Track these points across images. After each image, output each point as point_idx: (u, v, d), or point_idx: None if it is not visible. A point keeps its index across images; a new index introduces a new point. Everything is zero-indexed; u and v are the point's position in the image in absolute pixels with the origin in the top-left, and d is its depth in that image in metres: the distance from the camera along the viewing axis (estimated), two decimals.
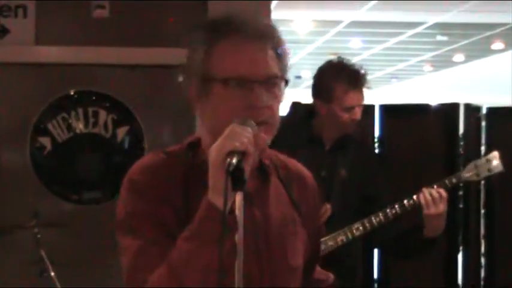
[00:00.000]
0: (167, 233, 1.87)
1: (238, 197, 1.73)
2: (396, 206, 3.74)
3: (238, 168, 1.73)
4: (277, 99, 1.96)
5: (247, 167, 1.76)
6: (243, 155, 1.75)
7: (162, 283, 1.81)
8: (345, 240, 3.75)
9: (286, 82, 1.98)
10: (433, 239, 3.73)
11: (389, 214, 3.74)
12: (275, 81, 1.95)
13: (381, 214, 3.73)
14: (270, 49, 1.96)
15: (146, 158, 2.05)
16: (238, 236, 1.71)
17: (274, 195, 2.04)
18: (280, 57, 1.98)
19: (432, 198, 3.66)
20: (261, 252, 1.96)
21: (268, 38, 1.96)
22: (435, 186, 3.73)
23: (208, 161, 1.83)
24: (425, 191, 3.69)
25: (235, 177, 1.72)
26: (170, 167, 1.98)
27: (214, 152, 1.79)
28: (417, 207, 3.71)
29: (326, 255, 3.75)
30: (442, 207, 3.67)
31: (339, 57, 3.86)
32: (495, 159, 3.85)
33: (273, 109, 1.94)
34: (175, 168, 1.98)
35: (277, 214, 2.03)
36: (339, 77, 3.75)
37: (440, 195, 3.67)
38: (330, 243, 3.75)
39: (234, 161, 1.74)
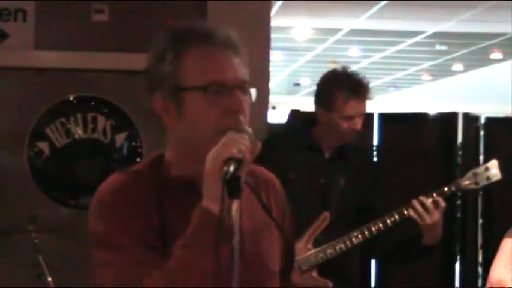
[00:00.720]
0: (148, 246, 1.86)
1: (235, 206, 1.73)
2: (395, 215, 3.74)
3: (235, 176, 1.73)
4: (248, 105, 1.95)
5: (244, 175, 1.76)
6: (239, 162, 1.75)
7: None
8: (343, 248, 3.75)
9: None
10: (431, 247, 3.73)
11: (389, 222, 3.74)
12: (247, 87, 1.95)
13: (379, 222, 3.73)
14: (237, 57, 1.96)
15: (112, 179, 2.02)
16: (235, 243, 1.72)
17: (245, 202, 1.97)
18: (245, 65, 1.99)
19: (425, 208, 3.66)
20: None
21: (234, 47, 1.97)
22: (434, 195, 3.73)
23: (176, 177, 1.88)
24: (416, 203, 3.69)
25: (232, 186, 1.72)
26: (139, 185, 1.97)
27: (210, 159, 1.79)
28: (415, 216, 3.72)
29: (325, 263, 3.75)
30: (437, 216, 3.67)
31: (343, 67, 3.87)
32: (494, 168, 3.86)
33: (247, 115, 1.94)
34: (143, 185, 1.96)
35: (249, 221, 2.00)
36: (340, 86, 3.76)
37: (437, 204, 3.67)
38: (329, 251, 3.75)
39: (231, 169, 1.73)
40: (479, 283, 5.24)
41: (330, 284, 3.75)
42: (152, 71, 2.03)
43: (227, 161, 1.75)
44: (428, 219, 3.65)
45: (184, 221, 1.83)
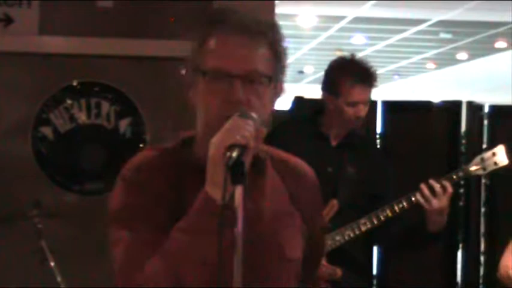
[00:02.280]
0: (160, 228, 1.86)
1: (238, 191, 1.71)
2: (403, 201, 3.75)
3: (239, 162, 1.72)
4: (259, 95, 1.92)
5: (248, 161, 1.76)
6: (243, 148, 1.75)
7: (157, 273, 1.81)
8: (352, 235, 3.77)
9: (270, 79, 1.94)
10: (436, 233, 3.74)
11: (396, 209, 3.75)
12: (256, 77, 1.91)
13: (387, 209, 3.74)
14: (261, 46, 1.93)
15: (140, 155, 2.05)
16: (238, 231, 1.71)
17: (270, 188, 2.03)
18: (275, 57, 1.96)
19: (434, 192, 3.67)
20: (251, 243, 1.89)
21: (261, 35, 1.93)
22: (443, 181, 3.74)
23: (202, 158, 1.84)
24: (423, 186, 3.70)
25: (235, 171, 1.71)
26: (164, 164, 1.98)
27: (213, 145, 1.79)
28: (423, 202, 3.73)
29: (333, 250, 3.77)
30: (445, 201, 3.68)
31: (352, 54, 3.89)
32: (501, 153, 3.86)
33: (251, 104, 1.90)
34: (169, 165, 1.97)
35: (273, 207, 2.01)
36: (347, 71, 3.78)
37: (444, 189, 3.68)
38: (337, 238, 3.77)
39: (234, 155, 1.72)
40: (481, 271, 5.25)
41: (339, 271, 3.76)
42: (191, 47, 2.01)
43: (230, 147, 1.74)
44: (435, 204, 3.66)
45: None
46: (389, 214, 3.74)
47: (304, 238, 2.09)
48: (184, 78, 2.01)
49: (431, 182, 3.70)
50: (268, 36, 1.94)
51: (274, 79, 1.95)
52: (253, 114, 1.84)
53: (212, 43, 1.93)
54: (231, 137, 1.76)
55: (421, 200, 3.67)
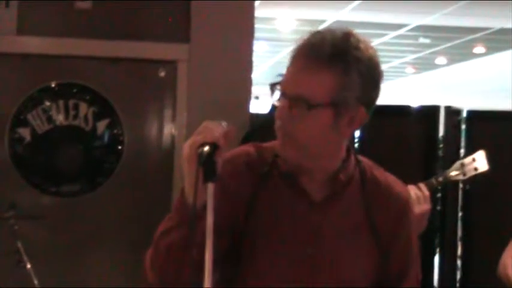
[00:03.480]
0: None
1: (210, 188, 1.79)
2: None
3: (210, 159, 1.80)
4: (301, 119, 1.95)
5: (219, 159, 1.84)
6: (214, 146, 1.82)
7: (147, 258, 1.99)
8: None
9: (318, 106, 1.96)
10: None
11: None
12: (301, 102, 1.94)
13: None
14: (320, 71, 1.94)
15: (240, 148, 2.13)
16: (208, 226, 1.77)
17: (345, 208, 2.08)
18: (341, 83, 1.96)
19: (416, 197, 3.67)
20: (309, 258, 2.02)
21: (326, 60, 1.94)
22: (420, 185, 3.73)
23: (281, 165, 2.02)
24: (411, 188, 3.70)
25: (207, 169, 1.80)
26: (253, 164, 2.06)
27: (187, 146, 1.87)
28: None
29: None
30: (426, 206, 3.67)
31: None
32: (481, 158, 3.86)
33: (289, 125, 1.97)
34: (257, 166, 2.06)
35: (339, 225, 2.06)
36: None
37: (424, 194, 3.67)
38: None
39: (206, 151, 1.81)
40: (458, 276, 5.26)
41: None
42: None
43: (201, 146, 1.82)
44: (417, 209, 3.66)
45: (270, 212, 2.00)
46: None
47: (374, 262, 2.10)
48: None
49: (410, 187, 3.70)
50: (340, 71, 1.95)
51: (332, 106, 1.96)
52: (224, 122, 1.91)
53: (290, 59, 2.03)
54: (201, 137, 1.85)
55: None
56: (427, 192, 3.68)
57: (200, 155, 1.80)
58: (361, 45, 1.98)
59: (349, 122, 2.01)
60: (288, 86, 1.97)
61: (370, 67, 2.02)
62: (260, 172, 2.05)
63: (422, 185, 3.72)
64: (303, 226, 2.01)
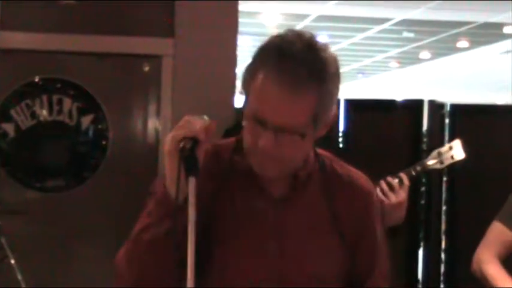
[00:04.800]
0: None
1: (191, 182, 1.79)
2: None
3: (191, 153, 1.82)
4: (291, 145, 1.92)
5: (201, 154, 1.85)
6: (194, 141, 1.83)
7: (121, 254, 1.98)
8: None
9: (304, 133, 1.93)
10: (395, 228, 3.74)
11: None
12: (289, 130, 1.90)
13: None
14: (304, 100, 1.88)
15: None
16: (190, 220, 1.76)
17: (306, 204, 2.07)
18: (320, 106, 1.92)
19: (391, 187, 3.67)
20: (273, 256, 2.01)
21: (308, 87, 1.88)
22: (400, 175, 3.75)
23: (245, 161, 1.98)
24: (382, 182, 3.70)
25: (188, 163, 1.81)
26: (211, 164, 2.01)
27: (168, 140, 1.87)
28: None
29: None
30: (403, 194, 3.67)
31: None
32: (457, 147, 3.88)
33: (279, 154, 1.92)
34: (215, 165, 2.04)
35: (303, 221, 2.05)
36: None
37: (401, 183, 3.67)
38: None
39: (187, 146, 1.82)
40: (442, 269, 5.28)
41: None
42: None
43: (182, 140, 1.83)
44: (393, 198, 3.66)
45: (232, 211, 2.00)
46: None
47: (340, 256, 2.09)
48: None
49: (389, 178, 3.71)
50: (317, 87, 1.90)
51: (313, 121, 1.93)
52: (204, 117, 1.90)
53: (259, 82, 1.90)
54: (182, 131, 1.85)
55: (381, 196, 3.67)
56: (407, 182, 3.69)
57: (181, 150, 1.81)
58: (324, 47, 1.95)
59: (325, 125, 1.99)
60: (269, 115, 1.88)
61: (337, 67, 1.98)
62: (219, 171, 2.03)
63: (402, 174, 3.74)
64: (264, 223, 2.00)
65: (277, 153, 1.91)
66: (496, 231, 3.33)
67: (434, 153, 3.91)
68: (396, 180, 3.70)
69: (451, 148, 3.90)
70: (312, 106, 1.89)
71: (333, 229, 2.07)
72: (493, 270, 3.24)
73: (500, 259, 3.28)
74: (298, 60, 1.88)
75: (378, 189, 3.69)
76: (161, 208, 1.90)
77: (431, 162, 3.89)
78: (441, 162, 3.90)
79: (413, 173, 3.83)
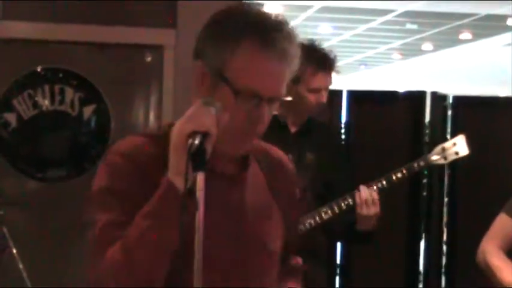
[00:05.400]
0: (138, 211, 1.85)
1: (200, 178, 1.71)
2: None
3: (200, 149, 1.72)
4: (271, 112, 1.95)
5: (209, 148, 1.76)
6: (205, 135, 1.74)
7: (114, 258, 1.80)
8: (313, 223, 3.75)
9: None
10: (366, 233, 3.74)
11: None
12: (278, 100, 1.95)
13: (348, 197, 3.73)
14: (287, 72, 1.94)
15: (127, 140, 2.01)
16: (198, 217, 1.70)
17: (252, 181, 2.04)
18: (289, 76, 1.97)
19: (365, 200, 3.66)
20: (235, 236, 1.96)
21: (288, 59, 1.92)
22: (404, 170, 3.75)
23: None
24: (363, 191, 3.69)
25: (197, 158, 1.71)
26: (149, 150, 1.95)
27: (175, 132, 1.79)
28: (386, 188, 3.74)
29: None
30: (374, 210, 3.67)
31: (310, 39, 3.85)
32: (462, 142, 3.88)
33: (266, 123, 1.95)
34: (154, 151, 1.94)
35: (254, 199, 2.03)
36: (308, 58, 3.73)
37: (373, 198, 3.67)
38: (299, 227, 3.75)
39: (196, 141, 1.72)
40: (444, 261, 5.29)
41: (299, 260, 3.75)
42: (205, 39, 1.96)
43: (192, 135, 1.74)
44: (364, 211, 3.67)
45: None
46: (351, 202, 3.73)
47: (282, 229, 2.10)
48: (196, 73, 1.96)
49: (362, 188, 3.70)
50: (295, 61, 1.95)
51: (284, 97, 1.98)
52: (217, 103, 1.83)
53: (246, 56, 1.89)
54: (192, 124, 1.76)
55: (358, 201, 3.67)
56: (376, 196, 3.69)
57: (191, 145, 1.72)
58: (292, 28, 1.97)
59: None
60: (264, 87, 1.89)
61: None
62: (158, 160, 1.91)
63: (372, 188, 3.72)
64: (223, 204, 1.94)
65: (263, 127, 1.93)
66: (502, 223, 3.32)
67: (438, 148, 3.91)
68: (369, 194, 3.68)
69: (455, 144, 3.90)
70: (289, 72, 1.94)
71: (275, 203, 2.09)
72: (498, 261, 3.23)
73: (505, 251, 3.28)
74: (279, 30, 1.91)
75: (357, 197, 3.68)
76: (165, 204, 1.79)
77: (434, 157, 3.88)
78: (445, 158, 3.90)
79: (417, 168, 3.83)
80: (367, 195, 3.66)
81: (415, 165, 3.83)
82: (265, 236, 2.04)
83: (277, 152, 2.20)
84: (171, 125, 1.94)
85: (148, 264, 1.79)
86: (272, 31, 1.90)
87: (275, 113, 2.06)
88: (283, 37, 1.91)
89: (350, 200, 3.71)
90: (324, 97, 3.76)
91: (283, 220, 2.10)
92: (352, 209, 3.70)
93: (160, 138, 1.95)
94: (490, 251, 3.27)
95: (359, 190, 3.68)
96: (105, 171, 1.94)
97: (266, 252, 2.04)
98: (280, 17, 1.96)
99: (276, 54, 1.89)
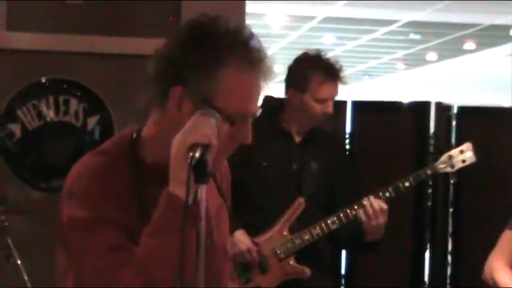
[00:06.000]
0: (126, 229, 1.84)
1: (202, 190, 1.70)
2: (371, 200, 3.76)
3: (202, 161, 1.70)
4: None
5: (210, 159, 1.73)
6: (206, 147, 1.72)
7: (132, 282, 1.77)
8: (320, 234, 3.75)
9: None
10: (373, 243, 3.75)
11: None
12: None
13: (355, 207, 3.73)
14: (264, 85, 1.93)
15: (85, 161, 1.98)
16: (201, 228, 1.70)
17: (209, 186, 2.03)
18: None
19: (373, 210, 3.66)
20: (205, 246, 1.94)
21: (269, 75, 1.93)
22: (411, 179, 3.76)
23: (154, 161, 1.87)
24: (369, 203, 3.68)
25: (199, 171, 1.69)
26: (114, 167, 1.93)
27: (176, 144, 1.76)
28: (393, 198, 3.74)
29: (304, 250, 3.76)
30: (382, 219, 3.68)
31: (316, 50, 3.86)
32: (468, 150, 3.88)
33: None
34: (119, 167, 1.93)
35: (213, 202, 2.02)
36: (316, 67, 3.75)
37: (381, 208, 3.67)
38: (306, 237, 3.75)
39: (197, 154, 1.70)
40: (449, 271, 5.28)
41: (307, 270, 3.76)
42: (185, 63, 1.89)
43: (193, 146, 1.72)
44: (374, 222, 3.67)
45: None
46: (359, 212, 3.73)
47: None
48: (175, 92, 1.89)
49: (372, 200, 3.70)
50: (271, 74, 1.95)
51: None
52: (216, 112, 1.81)
53: (234, 84, 1.85)
54: (194, 136, 1.74)
55: (363, 217, 3.67)
56: (384, 206, 3.69)
57: (192, 158, 1.69)
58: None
59: None
60: (252, 108, 1.89)
61: None
62: (127, 171, 1.92)
63: (380, 199, 3.72)
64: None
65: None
66: (508, 239, 3.31)
67: (445, 156, 3.91)
68: (383, 205, 3.68)
69: (461, 152, 3.90)
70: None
71: (224, 204, 2.12)
72: (506, 279, 3.22)
73: None
74: (259, 49, 1.90)
75: (362, 213, 3.68)
76: (170, 215, 1.76)
77: (441, 166, 3.88)
78: (452, 166, 3.90)
79: (423, 177, 3.84)
80: (376, 206, 3.67)
81: (422, 173, 3.83)
82: (225, 239, 2.07)
83: None
84: (133, 133, 1.99)
85: (167, 279, 1.75)
86: (252, 50, 1.88)
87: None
88: (262, 54, 1.90)
89: (357, 210, 3.71)
90: (330, 107, 3.77)
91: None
92: (359, 218, 3.71)
93: (117, 153, 1.96)
94: (498, 268, 3.26)
95: (368, 200, 3.68)
96: (74, 197, 1.92)
97: (225, 254, 2.07)
98: (248, 29, 1.92)
99: (261, 73, 1.89)
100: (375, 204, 3.67)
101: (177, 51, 1.93)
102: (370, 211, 3.65)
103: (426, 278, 5.27)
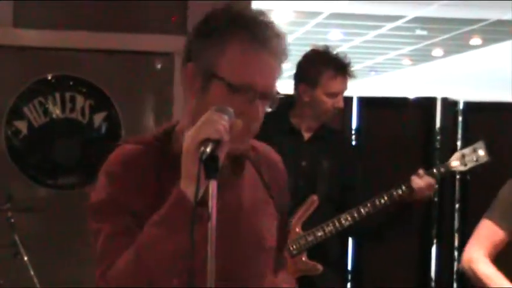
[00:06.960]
0: (139, 223, 1.85)
1: (212, 186, 1.70)
2: (384, 196, 3.77)
3: (212, 156, 1.70)
4: (265, 108, 1.95)
5: (222, 155, 1.74)
6: (217, 143, 1.73)
7: (128, 267, 1.81)
8: (333, 231, 3.76)
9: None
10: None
11: (378, 204, 3.77)
12: (271, 96, 1.94)
13: (369, 204, 3.74)
14: (278, 65, 1.95)
15: (122, 149, 2.02)
16: (211, 226, 1.69)
17: (248, 179, 2.05)
18: (280, 72, 1.98)
19: (425, 183, 3.75)
20: (233, 236, 1.96)
21: (280, 56, 1.95)
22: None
23: (180, 147, 1.83)
24: (416, 177, 3.76)
25: (209, 166, 1.69)
26: (145, 157, 1.96)
27: (188, 139, 1.77)
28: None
29: (315, 246, 3.77)
30: (429, 180, 3.78)
31: (324, 46, 3.88)
32: (481, 149, 3.88)
33: (261, 122, 1.95)
34: (150, 157, 1.96)
35: (250, 197, 2.04)
36: (327, 62, 3.77)
37: (430, 181, 3.77)
38: (319, 234, 3.76)
39: (208, 149, 1.71)
40: (455, 267, 5.27)
41: (319, 267, 3.77)
42: (194, 41, 1.97)
43: (204, 142, 1.72)
44: (427, 193, 3.75)
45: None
46: (371, 209, 3.75)
47: (276, 225, 2.13)
48: (186, 75, 1.97)
49: (415, 177, 3.77)
50: (285, 55, 1.97)
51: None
52: (230, 109, 1.82)
53: (238, 53, 1.90)
54: (205, 131, 1.74)
55: (416, 187, 3.75)
56: (433, 182, 3.79)
57: (202, 153, 1.70)
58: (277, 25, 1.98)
59: None
60: (257, 82, 1.89)
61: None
62: (155, 165, 1.95)
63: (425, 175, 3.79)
64: (220, 206, 1.80)
65: (259, 122, 1.93)
66: (486, 229, 3.31)
67: (458, 154, 3.92)
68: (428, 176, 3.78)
69: (475, 150, 3.91)
70: (280, 68, 1.96)
71: (270, 199, 2.11)
72: (487, 269, 3.22)
73: (490, 258, 3.27)
74: (266, 26, 1.93)
75: (415, 183, 3.77)
76: (176, 212, 1.78)
77: (455, 163, 3.90)
78: (465, 165, 3.91)
79: (437, 174, 3.86)
80: (427, 179, 3.82)
81: (435, 171, 3.85)
82: (263, 232, 2.06)
83: (266, 148, 2.21)
84: (169, 129, 2.00)
85: (160, 272, 1.79)
86: (259, 27, 1.91)
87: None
88: (271, 32, 1.92)
89: (371, 206, 3.74)
90: (340, 102, 3.79)
91: (278, 216, 2.13)
92: (371, 215, 3.75)
93: (155, 144, 1.99)
94: (477, 259, 3.26)
95: (418, 175, 3.81)
96: (105, 182, 1.97)
97: (264, 249, 2.06)
98: (265, 15, 1.97)
99: (266, 49, 1.90)
100: (426, 178, 3.80)
101: (190, 34, 2.00)
102: (421, 184, 3.74)
103: (433, 274, 5.26)
